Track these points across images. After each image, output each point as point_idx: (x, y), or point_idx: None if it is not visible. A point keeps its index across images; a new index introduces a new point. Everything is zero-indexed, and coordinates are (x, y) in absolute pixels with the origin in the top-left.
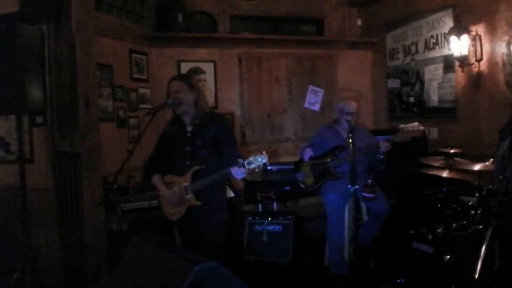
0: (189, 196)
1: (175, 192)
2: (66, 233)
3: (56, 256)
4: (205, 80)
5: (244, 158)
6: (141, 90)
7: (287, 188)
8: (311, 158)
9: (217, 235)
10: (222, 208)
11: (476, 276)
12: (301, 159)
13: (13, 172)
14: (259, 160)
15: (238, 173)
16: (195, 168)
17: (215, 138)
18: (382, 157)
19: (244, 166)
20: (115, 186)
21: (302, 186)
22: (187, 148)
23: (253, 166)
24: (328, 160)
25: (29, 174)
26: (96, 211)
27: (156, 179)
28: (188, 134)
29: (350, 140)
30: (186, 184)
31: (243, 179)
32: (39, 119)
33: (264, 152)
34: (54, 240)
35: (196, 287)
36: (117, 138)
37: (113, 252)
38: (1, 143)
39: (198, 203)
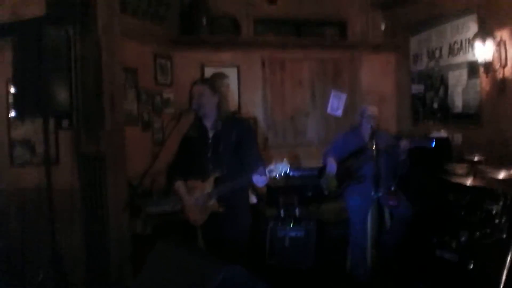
0: (212, 202)
1: (198, 199)
2: (90, 235)
3: (81, 257)
4: (228, 85)
5: (266, 166)
6: (165, 94)
7: (310, 193)
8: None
9: (241, 240)
10: (245, 212)
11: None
12: (325, 166)
13: (40, 174)
14: (280, 168)
15: (259, 180)
16: (217, 173)
17: (237, 142)
18: (403, 157)
19: (265, 174)
20: (140, 189)
21: (326, 192)
22: (209, 153)
23: (274, 174)
24: (350, 162)
25: (55, 176)
26: (121, 213)
27: (178, 185)
28: (210, 139)
29: (373, 143)
30: (209, 190)
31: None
32: (65, 123)
33: (285, 159)
34: (79, 241)
35: None
36: (142, 141)
37: (137, 255)
38: (28, 145)
39: (220, 209)
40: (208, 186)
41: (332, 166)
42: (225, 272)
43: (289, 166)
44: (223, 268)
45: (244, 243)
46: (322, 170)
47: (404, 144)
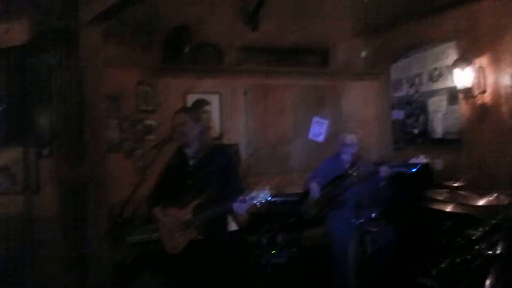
0: (190, 230)
1: (175, 227)
2: (72, 264)
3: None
4: (210, 112)
5: (247, 193)
6: (147, 121)
7: (292, 219)
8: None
9: (220, 268)
10: (224, 241)
11: None
12: (306, 192)
13: (20, 202)
14: (261, 196)
15: (240, 208)
16: (196, 202)
17: (218, 171)
18: (384, 184)
19: (245, 202)
20: (121, 218)
21: (306, 218)
22: (189, 182)
23: (255, 202)
24: (330, 189)
25: (36, 204)
26: (102, 242)
27: (158, 210)
28: (190, 168)
29: (353, 170)
30: (187, 217)
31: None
32: (46, 151)
33: (267, 187)
34: (61, 269)
35: None
36: (124, 168)
37: (118, 285)
38: (8, 174)
39: (199, 237)
40: (186, 213)
41: (315, 191)
42: None
43: (270, 193)
44: None
45: (224, 272)
46: (303, 196)
47: (384, 170)
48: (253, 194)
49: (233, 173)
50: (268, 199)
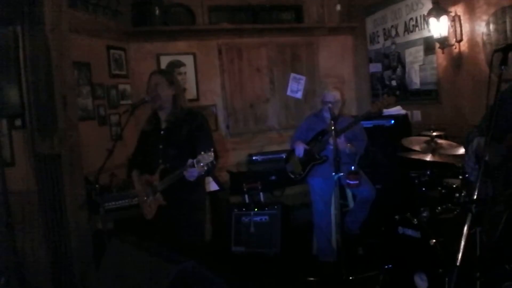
0: (157, 195)
1: (147, 193)
2: (51, 236)
3: (43, 259)
4: (185, 73)
5: (194, 157)
6: (121, 86)
7: (273, 177)
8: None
9: (192, 236)
10: (196, 208)
11: (458, 263)
12: (292, 151)
13: None
14: (206, 158)
15: (190, 172)
16: (162, 166)
17: (188, 136)
18: (362, 137)
19: (193, 166)
20: (97, 186)
21: (292, 176)
22: (160, 146)
23: (202, 164)
24: (312, 145)
25: (11, 177)
26: (80, 212)
27: (134, 175)
28: (162, 132)
29: (332, 125)
30: (155, 183)
31: (228, 171)
32: (17, 122)
33: (211, 150)
34: (40, 243)
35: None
36: (99, 136)
37: (100, 252)
38: None
39: (164, 203)
40: (155, 178)
41: (299, 149)
42: (178, 269)
43: (213, 157)
44: (176, 265)
45: (198, 239)
46: (289, 155)
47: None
48: (199, 157)
49: (203, 139)
50: (212, 160)
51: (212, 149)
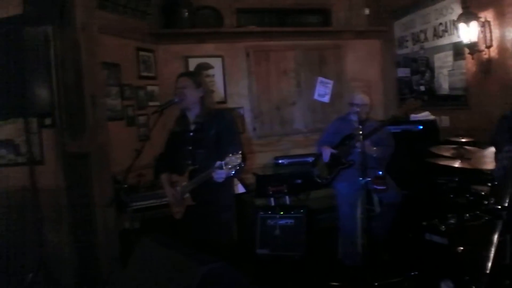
0: (186, 195)
1: (176, 193)
2: (78, 233)
3: (70, 256)
4: (213, 75)
5: (223, 159)
6: (149, 88)
7: (299, 181)
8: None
9: (220, 236)
10: (224, 209)
11: (487, 271)
12: (319, 155)
13: (24, 174)
14: (234, 160)
15: (218, 174)
16: (191, 167)
17: (216, 137)
18: (390, 142)
19: (222, 167)
20: (125, 185)
21: (318, 180)
22: (189, 147)
23: (230, 166)
24: (339, 149)
25: (40, 175)
26: (107, 210)
27: (163, 177)
28: (191, 133)
29: (360, 131)
30: (184, 183)
31: (253, 173)
32: (47, 121)
33: (240, 152)
34: (67, 240)
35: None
36: (127, 136)
37: (126, 251)
38: (11, 145)
39: (192, 203)
40: (184, 179)
41: (326, 153)
42: (206, 269)
43: (240, 159)
44: (205, 265)
45: (225, 239)
46: (316, 158)
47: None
48: (227, 159)
49: (230, 139)
50: (239, 163)
51: (240, 152)
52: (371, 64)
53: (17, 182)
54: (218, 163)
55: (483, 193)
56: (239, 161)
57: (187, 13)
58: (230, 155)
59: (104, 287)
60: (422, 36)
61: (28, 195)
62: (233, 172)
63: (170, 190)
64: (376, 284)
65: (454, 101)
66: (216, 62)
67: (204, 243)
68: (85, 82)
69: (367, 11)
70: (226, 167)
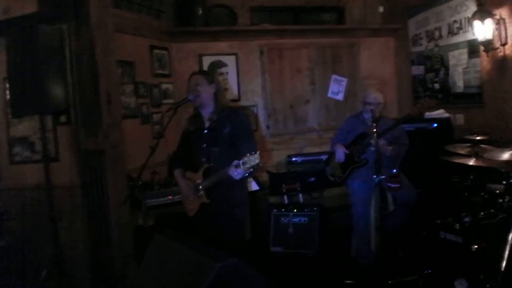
0: (200, 193)
1: (190, 190)
2: (93, 230)
3: (84, 253)
4: (227, 73)
5: (240, 158)
6: (164, 86)
7: (312, 179)
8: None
9: (234, 234)
10: (238, 207)
11: (503, 268)
12: (332, 154)
13: (39, 171)
14: (252, 160)
15: (235, 173)
16: (206, 165)
17: (231, 135)
18: (404, 140)
19: (239, 166)
20: (140, 182)
21: (332, 179)
22: (204, 145)
23: (248, 166)
24: (353, 148)
25: (55, 172)
26: (122, 207)
27: (177, 173)
28: (205, 131)
29: (373, 127)
30: (199, 181)
31: (267, 171)
32: (63, 118)
33: (258, 152)
34: (82, 236)
35: (218, 284)
36: (141, 134)
37: (140, 248)
38: (26, 143)
39: (207, 201)
40: (198, 177)
41: (340, 153)
42: (220, 266)
43: (259, 159)
44: (220, 262)
45: (238, 237)
46: (329, 157)
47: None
48: (245, 158)
49: (245, 137)
50: (258, 162)
51: (258, 151)
52: (385, 62)
53: (32, 179)
54: (235, 162)
55: (498, 192)
56: (257, 161)
57: (201, 11)
58: (248, 154)
59: (118, 283)
60: (436, 33)
61: (43, 192)
62: (250, 171)
63: (184, 182)
64: (390, 282)
65: (469, 99)
66: (230, 60)
67: (217, 240)
68: (100, 80)
69: (381, 9)
70: (244, 166)
